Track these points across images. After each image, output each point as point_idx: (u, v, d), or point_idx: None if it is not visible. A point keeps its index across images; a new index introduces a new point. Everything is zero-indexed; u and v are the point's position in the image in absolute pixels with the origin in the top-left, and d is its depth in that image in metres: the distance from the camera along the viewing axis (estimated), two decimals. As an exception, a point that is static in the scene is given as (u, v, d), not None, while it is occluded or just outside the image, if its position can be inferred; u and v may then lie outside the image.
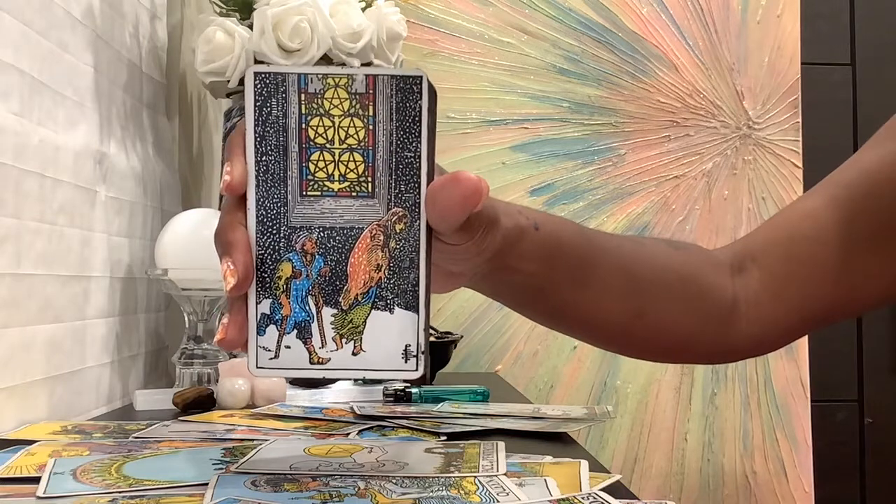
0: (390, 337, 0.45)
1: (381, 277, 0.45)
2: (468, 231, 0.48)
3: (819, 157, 1.65)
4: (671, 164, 1.73)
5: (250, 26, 1.04)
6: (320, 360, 0.45)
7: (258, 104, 0.45)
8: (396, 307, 0.45)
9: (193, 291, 0.94)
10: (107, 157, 0.90)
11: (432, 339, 1.22)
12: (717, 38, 1.75)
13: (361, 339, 0.45)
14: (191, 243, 0.93)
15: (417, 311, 0.45)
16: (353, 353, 0.45)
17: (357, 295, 0.45)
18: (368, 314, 0.45)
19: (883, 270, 0.65)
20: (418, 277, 0.45)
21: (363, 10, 1.08)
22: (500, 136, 1.69)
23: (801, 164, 1.75)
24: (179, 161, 1.22)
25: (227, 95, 1.12)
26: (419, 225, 0.45)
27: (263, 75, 0.45)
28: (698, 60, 1.74)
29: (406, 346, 0.45)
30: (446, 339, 1.23)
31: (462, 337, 1.36)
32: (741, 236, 0.72)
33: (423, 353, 0.45)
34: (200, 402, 0.84)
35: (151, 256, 0.99)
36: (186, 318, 0.96)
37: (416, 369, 0.45)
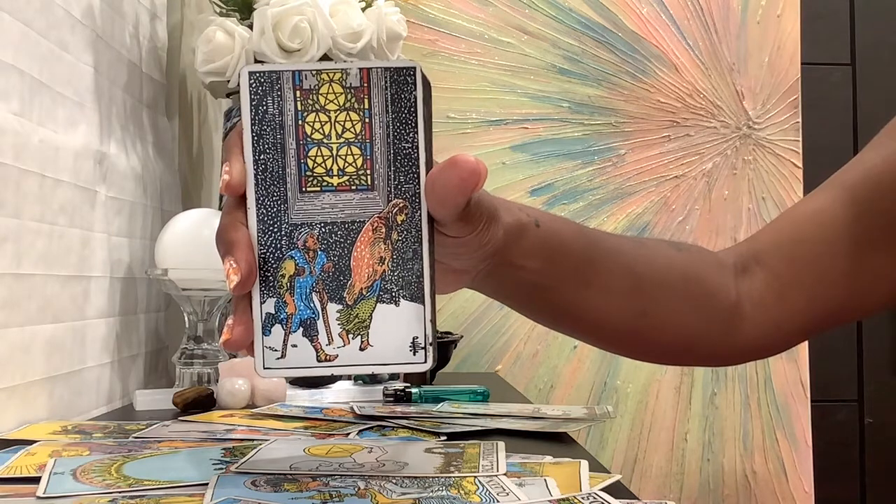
0: (397, 330, 0.44)
1: (384, 270, 0.45)
2: (469, 222, 0.48)
3: (819, 157, 1.66)
4: (671, 164, 1.73)
5: (250, 26, 1.04)
6: (328, 358, 0.45)
7: (254, 103, 0.45)
8: (402, 299, 0.45)
9: (193, 291, 0.94)
10: (107, 157, 0.90)
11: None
12: (717, 38, 1.75)
13: (368, 333, 0.44)
14: (191, 243, 0.93)
15: (423, 303, 0.45)
16: (361, 349, 0.45)
17: (362, 289, 0.45)
18: (374, 308, 0.45)
19: (890, 272, 0.65)
20: (422, 268, 0.45)
21: (363, 10, 1.08)
22: (500, 136, 1.69)
23: (801, 164, 1.75)
24: (179, 161, 1.22)
25: (227, 95, 1.12)
26: (420, 215, 0.45)
27: (258, 74, 0.45)
28: (698, 60, 1.74)
29: (413, 338, 0.45)
30: (446, 339, 1.23)
31: (462, 337, 1.36)
32: (742, 236, 0.72)
33: (430, 344, 0.44)
34: (200, 402, 0.84)
35: (151, 256, 0.99)
36: (186, 318, 0.96)
37: (425, 361, 0.44)
